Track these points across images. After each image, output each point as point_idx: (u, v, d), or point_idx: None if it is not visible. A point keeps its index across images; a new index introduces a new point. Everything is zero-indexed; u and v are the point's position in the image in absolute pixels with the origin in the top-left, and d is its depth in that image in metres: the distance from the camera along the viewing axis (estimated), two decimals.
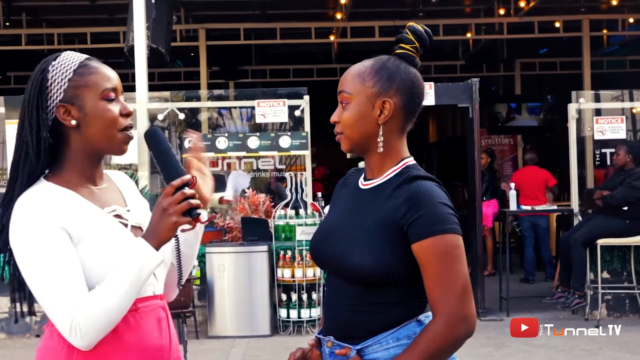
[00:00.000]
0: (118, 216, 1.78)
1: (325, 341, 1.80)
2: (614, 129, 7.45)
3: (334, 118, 1.81)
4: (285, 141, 7.30)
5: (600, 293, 6.88)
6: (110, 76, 1.77)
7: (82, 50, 1.89)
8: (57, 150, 1.77)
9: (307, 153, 7.35)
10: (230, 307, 6.61)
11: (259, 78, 13.82)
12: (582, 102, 7.67)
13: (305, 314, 6.59)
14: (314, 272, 6.57)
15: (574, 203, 7.60)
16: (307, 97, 7.44)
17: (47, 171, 1.76)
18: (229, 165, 8.27)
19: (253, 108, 7.52)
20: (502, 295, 7.47)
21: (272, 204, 7.13)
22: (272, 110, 7.34)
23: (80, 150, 1.75)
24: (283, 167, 8.41)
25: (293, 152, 7.49)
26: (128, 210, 1.82)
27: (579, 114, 7.68)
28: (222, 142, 7.35)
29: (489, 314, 7.19)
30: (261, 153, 7.52)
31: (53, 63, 1.75)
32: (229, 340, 6.42)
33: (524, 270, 9.37)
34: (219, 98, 9.39)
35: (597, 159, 8.46)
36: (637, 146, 7.56)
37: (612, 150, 7.67)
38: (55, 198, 1.70)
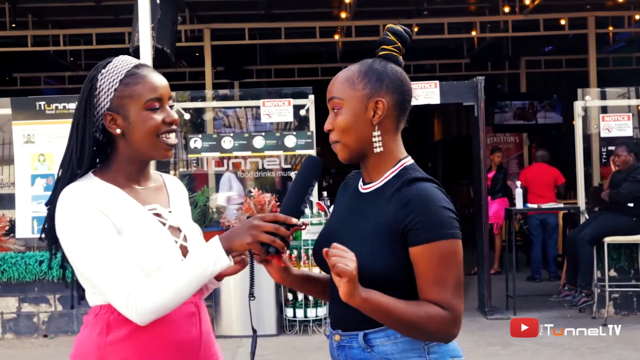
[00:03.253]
0: (158, 215, 1.85)
1: (333, 334, 1.83)
2: (620, 126, 7.43)
3: (327, 126, 1.82)
4: (290, 141, 7.32)
5: (608, 291, 6.87)
6: (156, 85, 1.82)
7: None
8: (106, 150, 1.86)
9: (312, 152, 7.36)
10: (236, 306, 6.62)
11: (263, 78, 13.82)
12: (588, 100, 7.65)
13: (311, 313, 6.58)
14: (320, 271, 6.54)
15: (581, 201, 7.58)
16: (312, 97, 7.45)
17: (97, 166, 1.85)
18: (234, 165, 8.28)
19: (258, 108, 7.53)
20: (508, 293, 7.45)
21: (278, 203, 7.13)
22: (277, 110, 7.36)
23: (125, 155, 1.84)
24: (289, 166, 8.40)
25: (298, 152, 7.50)
26: (170, 212, 1.89)
27: (585, 111, 7.66)
28: (227, 142, 7.37)
29: (496, 313, 7.17)
30: (267, 153, 7.54)
31: (102, 71, 1.81)
32: (236, 340, 6.42)
33: (530, 268, 9.35)
34: (224, 98, 9.42)
35: (604, 156, 8.43)
36: (634, 144, 7.56)
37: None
38: (98, 189, 1.77)
